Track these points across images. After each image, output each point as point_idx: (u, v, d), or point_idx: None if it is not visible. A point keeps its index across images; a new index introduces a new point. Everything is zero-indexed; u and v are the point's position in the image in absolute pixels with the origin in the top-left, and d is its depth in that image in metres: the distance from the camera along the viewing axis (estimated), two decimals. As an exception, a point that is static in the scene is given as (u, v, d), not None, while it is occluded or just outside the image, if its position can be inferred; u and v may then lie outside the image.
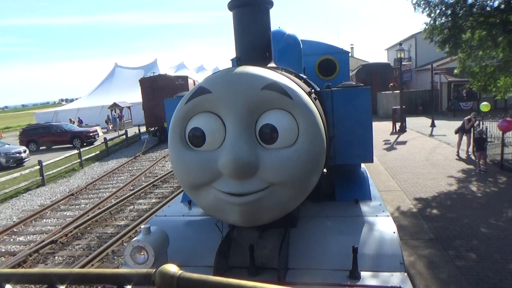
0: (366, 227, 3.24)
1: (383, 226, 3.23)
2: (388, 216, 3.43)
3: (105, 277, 0.84)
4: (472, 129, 12.46)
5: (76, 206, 10.89)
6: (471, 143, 12.69)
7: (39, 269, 6.02)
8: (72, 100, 72.40)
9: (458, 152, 12.99)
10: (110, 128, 32.98)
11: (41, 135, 24.53)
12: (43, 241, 8.02)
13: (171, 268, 0.80)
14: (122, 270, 0.83)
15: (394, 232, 3.12)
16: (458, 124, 16.64)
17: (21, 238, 8.67)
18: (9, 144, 21.24)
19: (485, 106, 14.21)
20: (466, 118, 12.90)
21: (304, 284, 2.80)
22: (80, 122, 34.26)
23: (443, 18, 10.60)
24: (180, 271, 0.79)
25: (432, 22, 10.87)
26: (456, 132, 13.13)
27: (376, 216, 3.43)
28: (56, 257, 7.37)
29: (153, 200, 10.64)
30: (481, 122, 12.32)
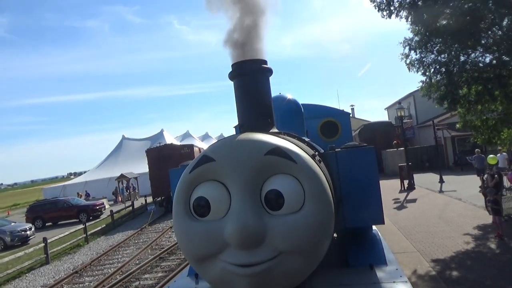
0: None
1: None
2: (406, 281, 3.23)
3: None
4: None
5: (80, 285, 10.47)
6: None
7: None
8: (80, 174, 73.03)
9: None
10: (120, 200, 32.52)
11: (48, 211, 24.42)
12: (44, 325, 7.58)
13: None
14: None
15: (415, 300, 2.91)
16: (468, 179, 16.49)
17: (21, 323, 8.23)
18: (15, 222, 21.08)
19: (492, 159, 14.12)
20: (488, 174, 10.98)
21: None
22: (87, 195, 34.22)
23: (438, 75, 10.92)
24: None
25: (428, 80, 11.17)
26: (486, 195, 10.90)
27: (394, 282, 3.23)
28: None
29: (159, 274, 10.22)
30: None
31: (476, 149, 17.44)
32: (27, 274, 12.51)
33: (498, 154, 15.66)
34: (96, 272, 11.59)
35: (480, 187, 15.24)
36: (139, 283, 9.77)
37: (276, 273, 2.48)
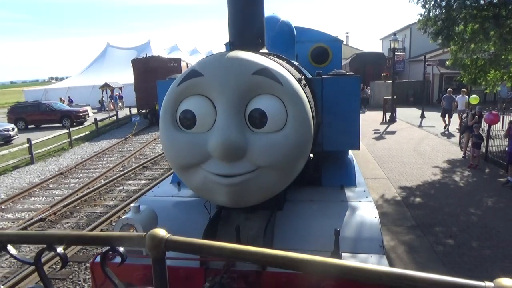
0: (349, 211, 3.36)
1: (365, 211, 3.36)
2: (370, 201, 3.56)
3: (99, 239, 0.92)
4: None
5: (65, 185, 10.91)
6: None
7: (39, 231, 6.09)
8: (62, 79, 71.06)
9: (465, 153, 11.39)
10: (112, 108, 31.08)
11: (30, 113, 24.24)
12: (32, 218, 8.06)
13: (161, 232, 0.89)
14: (116, 233, 0.91)
15: (375, 217, 3.25)
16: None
17: (9, 215, 8.70)
18: (-3, 121, 21.00)
19: (474, 98, 14.44)
20: (470, 113, 11.76)
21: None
22: (70, 101, 33.71)
23: (437, 9, 10.69)
24: (168, 235, 0.88)
25: (426, 13, 10.95)
26: (462, 132, 12.05)
27: (359, 201, 3.55)
28: (45, 235, 7.43)
29: (143, 182, 10.70)
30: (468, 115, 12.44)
31: (448, 89, 17.12)
32: (12, 172, 12.87)
33: (459, 96, 15.56)
34: (81, 175, 12.02)
35: (444, 128, 15.95)
36: (123, 188, 10.25)
37: (253, 184, 2.71)
